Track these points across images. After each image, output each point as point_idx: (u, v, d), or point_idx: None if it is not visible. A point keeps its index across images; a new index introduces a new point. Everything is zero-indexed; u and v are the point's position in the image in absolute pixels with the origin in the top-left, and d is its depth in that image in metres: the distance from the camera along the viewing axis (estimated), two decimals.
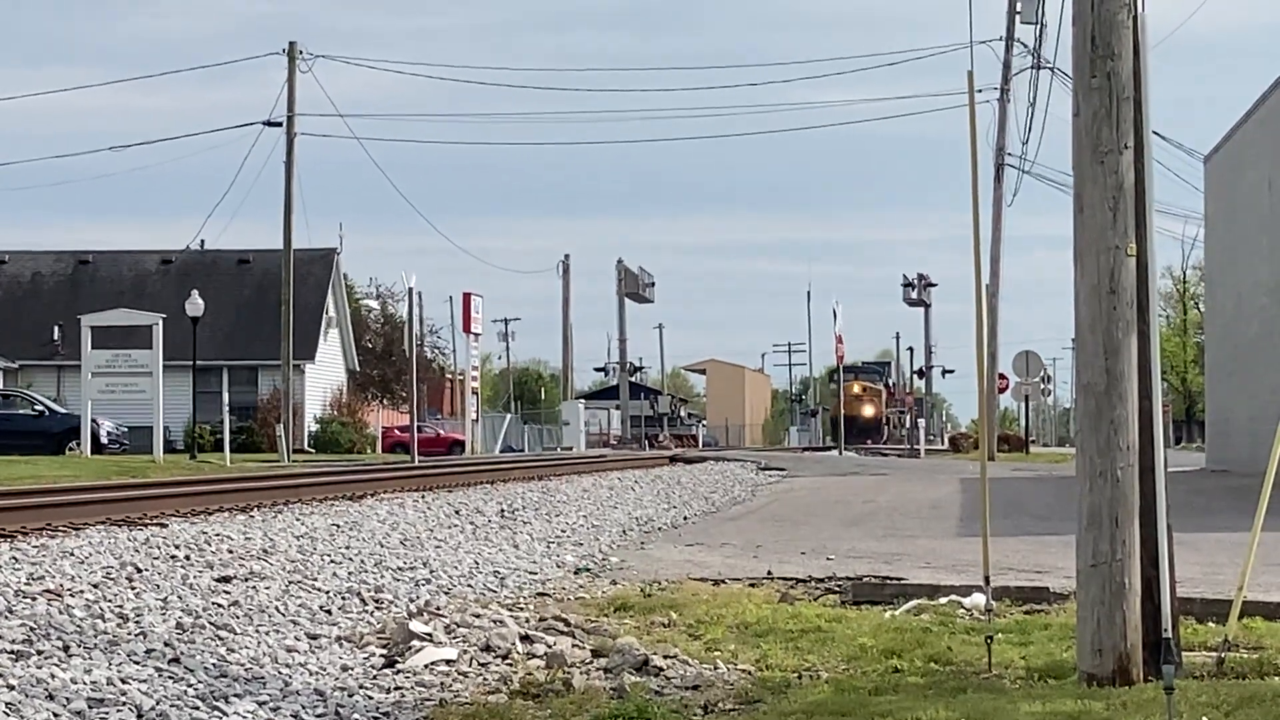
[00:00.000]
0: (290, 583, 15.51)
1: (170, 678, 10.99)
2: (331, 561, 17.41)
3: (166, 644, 11.92)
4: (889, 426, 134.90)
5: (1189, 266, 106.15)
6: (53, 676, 10.37)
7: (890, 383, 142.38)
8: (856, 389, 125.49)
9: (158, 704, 10.25)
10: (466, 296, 78.19)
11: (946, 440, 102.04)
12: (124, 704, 10.12)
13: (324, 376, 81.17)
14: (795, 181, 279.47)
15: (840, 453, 78.78)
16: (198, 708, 10.42)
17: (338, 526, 21.01)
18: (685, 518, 28.95)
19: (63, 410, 64.16)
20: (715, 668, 12.44)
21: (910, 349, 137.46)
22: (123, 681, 10.59)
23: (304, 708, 10.89)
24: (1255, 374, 40.14)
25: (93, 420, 58.89)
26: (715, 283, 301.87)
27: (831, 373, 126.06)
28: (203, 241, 79.40)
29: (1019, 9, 68.87)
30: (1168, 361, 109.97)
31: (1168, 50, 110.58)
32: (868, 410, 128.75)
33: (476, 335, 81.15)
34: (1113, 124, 10.87)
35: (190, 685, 10.91)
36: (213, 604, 13.81)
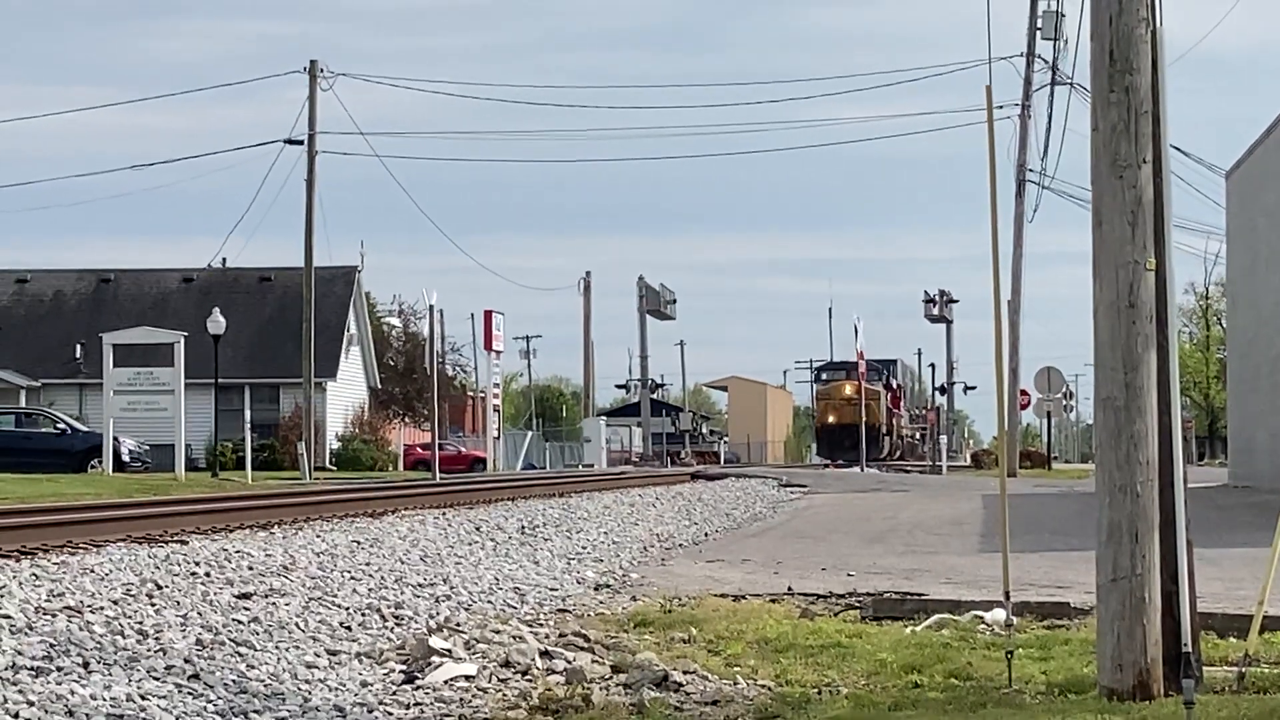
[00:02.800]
0: (310, 599, 15.51)
1: (190, 694, 11.00)
2: (352, 578, 17.41)
3: (186, 660, 11.93)
4: (892, 437, 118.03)
5: (1211, 282, 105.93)
6: (72, 693, 10.38)
7: (895, 384, 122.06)
8: (848, 390, 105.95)
9: None
10: (488, 314, 78.23)
11: (968, 456, 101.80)
12: (143, 718, 10.14)
13: (346, 394, 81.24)
14: (817, 199, 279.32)
15: (862, 469, 78.70)
16: None
17: (358, 543, 21.01)
18: (706, 534, 28.95)
19: (84, 429, 64.28)
20: (735, 683, 12.44)
21: (932, 365, 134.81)
22: (143, 698, 10.61)
23: None
24: (1279, 390, 40.06)
25: (115, 438, 58.97)
26: (737, 300, 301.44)
27: (820, 371, 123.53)
28: (224, 259, 79.66)
29: (1039, 25, 68.97)
30: (1189, 377, 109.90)
31: (1187, 65, 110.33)
32: (863, 417, 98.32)
33: (498, 353, 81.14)
34: (1131, 138, 10.87)
35: (210, 701, 10.92)
36: (233, 620, 13.81)
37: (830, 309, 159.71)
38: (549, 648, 13.76)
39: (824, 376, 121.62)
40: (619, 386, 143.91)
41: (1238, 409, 52.44)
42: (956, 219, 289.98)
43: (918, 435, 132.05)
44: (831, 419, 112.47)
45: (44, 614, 12.85)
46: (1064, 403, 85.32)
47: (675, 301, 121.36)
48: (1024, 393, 75.21)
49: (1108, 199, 10.90)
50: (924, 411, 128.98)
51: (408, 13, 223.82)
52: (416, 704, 11.78)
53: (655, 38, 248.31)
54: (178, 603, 14.26)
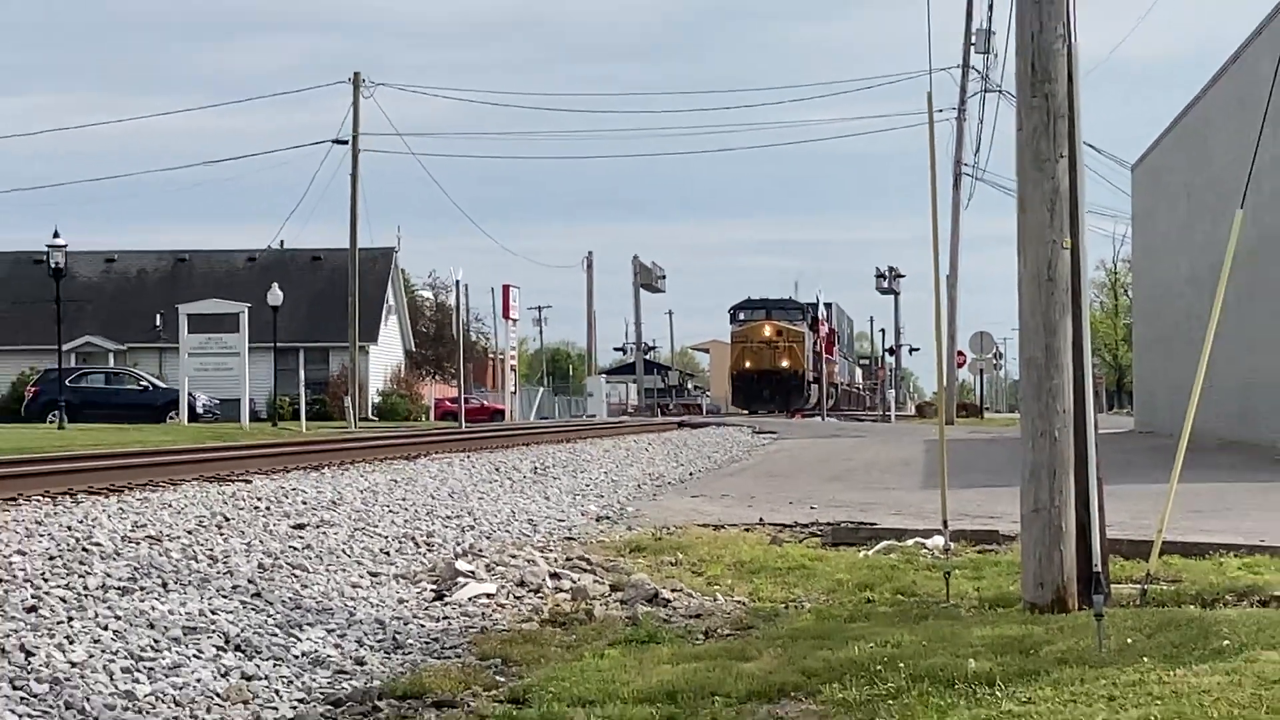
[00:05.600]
0: (355, 529, 15.54)
1: (253, 610, 11.01)
2: (390, 511, 17.43)
3: (250, 581, 11.95)
4: (821, 385, 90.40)
5: (1119, 259, 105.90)
6: (153, 609, 10.40)
7: (824, 328, 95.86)
8: (768, 332, 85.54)
9: (242, 631, 10.28)
10: (506, 288, 78.25)
11: (914, 408, 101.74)
12: (213, 631, 10.15)
13: (385, 356, 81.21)
14: (785, 189, 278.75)
15: (823, 418, 78.55)
16: (276, 635, 10.45)
17: (396, 482, 21.03)
18: (691, 474, 28.96)
19: (164, 385, 64.29)
20: (715, 599, 12.45)
21: (883, 330, 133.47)
22: (213, 613, 10.62)
23: (366, 634, 10.91)
24: (1176, 351, 40.08)
25: (189, 394, 59.04)
26: (718, 276, 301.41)
27: (736, 310, 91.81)
28: (282, 241, 79.43)
29: (973, 41, 69.46)
30: (1100, 340, 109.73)
31: (1099, 74, 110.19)
32: (784, 362, 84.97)
33: (514, 321, 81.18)
34: (1050, 137, 10.86)
35: (270, 616, 10.94)
36: (289, 547, 13.84)
37: (796, 283, 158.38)
38: (557, 570, 13.77)
39: (741, 316, 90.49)
40: (617, 349, 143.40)
41: (1141, 367, 52.51)
42: (905, 205, 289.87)
43: (861, 384, 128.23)
44: (748, 364, 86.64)
45: (129, 542, 12.87)
46: (994, 362, 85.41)
47: (665, 277, 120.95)
48: (960, 354, 75.16)
49: (1030, 188, 10.89)
50: (875, 368, 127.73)
51: (438, 31, 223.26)
52: (445, 618, 11.80)
53: (649, 50, 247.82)
54: (242, 532, 14.29)
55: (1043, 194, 10.82)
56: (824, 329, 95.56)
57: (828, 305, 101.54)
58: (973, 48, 69.77)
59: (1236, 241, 11.59)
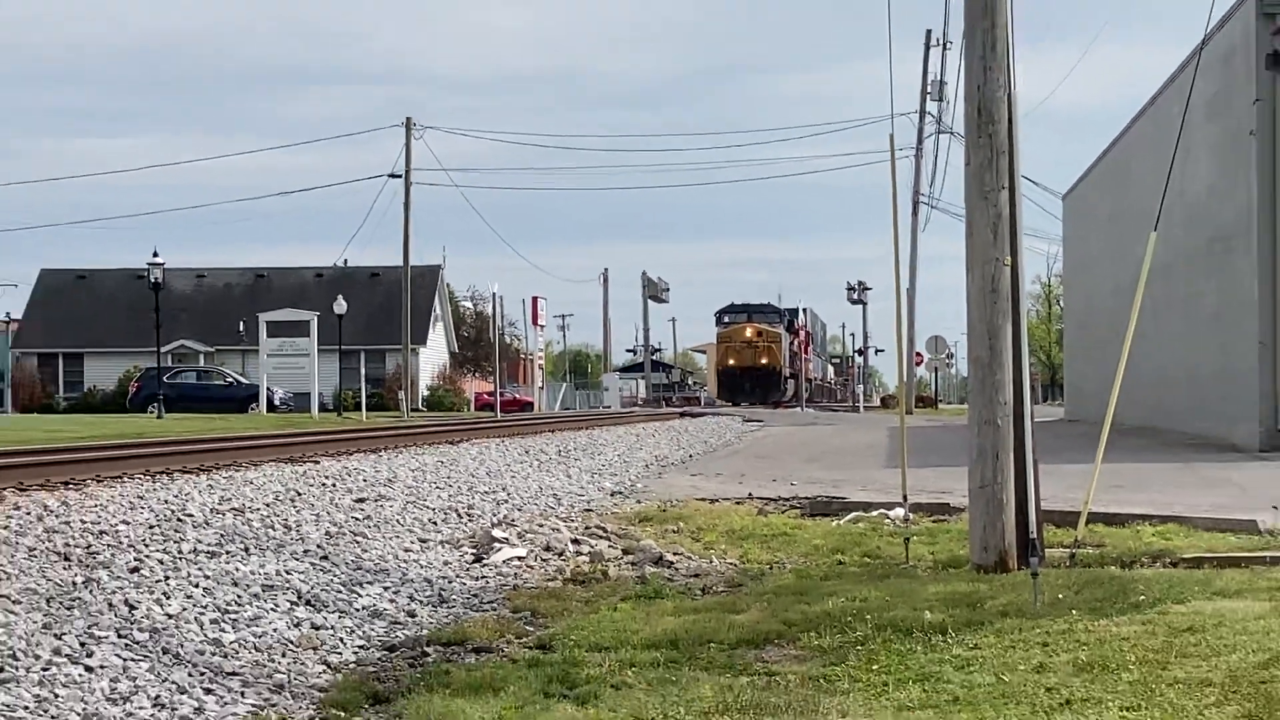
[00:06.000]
0: (407, 502, 15.55)
1: (321, 570, 11.03)
2: (437, 487, 17.43)
3: (318, 546, 11.96)
4: (798, 380, 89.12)
5: (1052, 275, 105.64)
6: (237, 569, 10.42)
7: (800, 329, 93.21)
8: (749, 333, 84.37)
9: (311, 589, 10.29)
10: (534, 299, 78.21)
11: (879, 400, 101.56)
12: (288, 588, 10.17)
13: (432, 356, 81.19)
14: (770, 214, 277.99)
15: (802, 409, 78.43)
16: (340, 591, 10.46)
17: (441, 462, 21.04)
18: (690, 456, 28.95)
19: (246, 381, 64.31)
20: (710, 562, 12.45)
21: (853, 334, 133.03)
22: (287, 573, 10.63)
23: (416, 591, 10.92)
24: (1101, 352, 40.02)
25: (268, 388, 59.04)
26: (713, 288, 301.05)
27: (721, 314, 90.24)
28: (345, 260, 79.49)
29: (929, 90, 69.86)
30: (1036, 342, 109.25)
31: (1035, 118, 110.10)
32: (763, 359, 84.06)
33: (542, 327, 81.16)
34: (994, 171, 10.86)
35: (335, 575, 10.95)
36: (351, 518, 13.85)
37: (780, 294, 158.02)
38: (578, 537, 13.78)
39: (725, 319, 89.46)
40: (628, 350, 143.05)
41: (1071, 365, 52.42)
42: (872, 228, 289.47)
43: (833, 380, 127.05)
44: (732, 361, 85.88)
45: (217, 513, 12.89)
46: (946, 361, 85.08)
47: (669, 289, 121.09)
48: (918, 354, 75.17)
49: (977, 215, 10.90)
50: (846, 366, 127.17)
51: (478, 83, 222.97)
52: (482, 577, 11.81)
53: (656, 99, 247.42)
54: (312, 505, 14.30)
55: (987, 219, 10.83)
56: (800, 331, 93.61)
57: (804, 310, 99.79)
58: (928, 96, 70.27)
59: (1151, 259, 11.58)
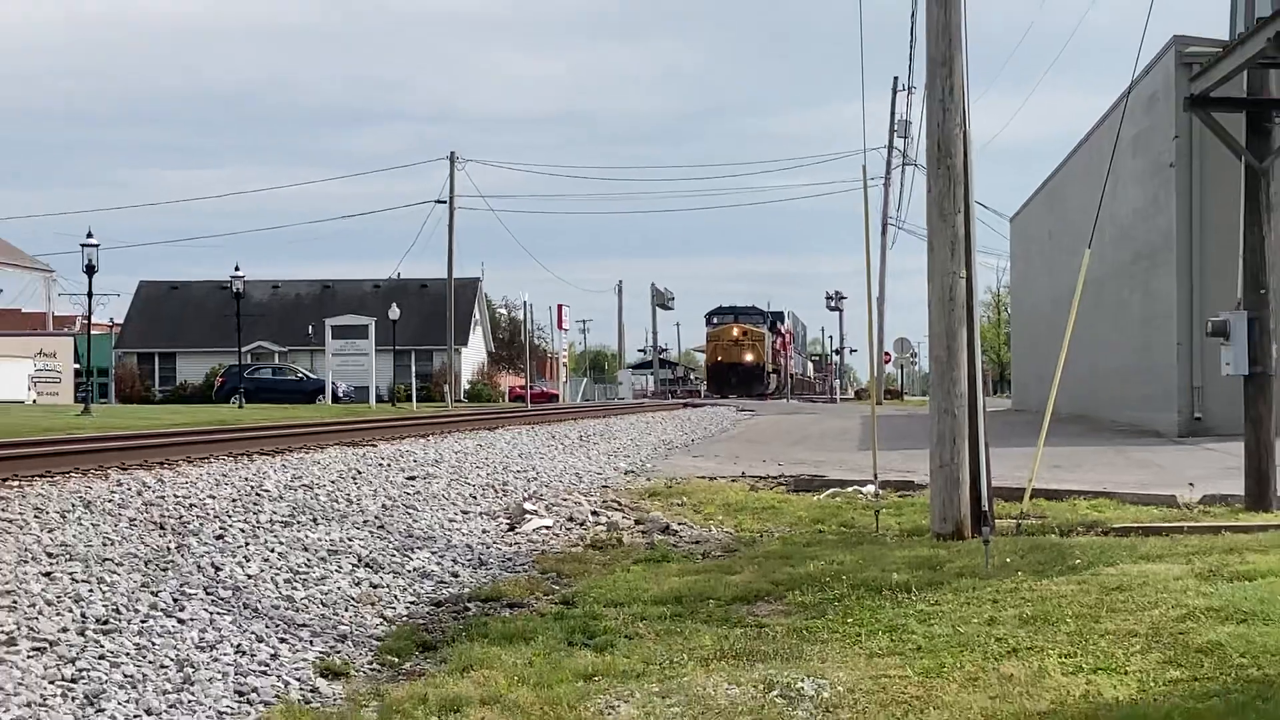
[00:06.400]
0: (451, 480, 15.54)
1: (378, 537, 11.04)
2: (476, 467, 17.43)
3: (375, 517, 11.97)
4: (779, 375, 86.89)
5: (1001, 286, 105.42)
6: (306, 536, 10.43)
7: (782, 330, 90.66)
8: (735, 333, 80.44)
9: (370, 553, 10.30)
10: (559, 307, 77.83)
11: (853, 393, 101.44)
12: (350, 552, 10.18)
13: (472, 355, 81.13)
14: (760, 235, 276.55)
15: (788, 400, 78.32)
16: (394, 555, 10.47)
17: (480, 445, 21.03)
18: (692, 440, 28.93)
19: (314, 376, 64.27)
20: (709, 530, 12.45)
21: (831, 336, 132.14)
22: (349, 540, 10.64)
23: (459, 555, 10.93)
24: (1042, 352, 39.94)
25: (332, 383, 59.04)
26: (712, 297, 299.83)
27: (711, 315, 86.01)
28: (399, 274, 79.41)
29: (897, 128, 70.09)
30: (987, 344, 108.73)
31: (990, 151, 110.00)
32: (747, 356, 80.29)
33: (565, 330, 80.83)
34: (951, 198, 10.85)
35: (389, 541, 10.96)
36: (404, 493, 13.85)
37: (769, 301, 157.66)
38: (596, 509, 13.78)
39: (714, 320, 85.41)
40: (639, 350, 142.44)
41: (1017, 363, 52.36)
42: (847, 247, 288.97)
43: (813, 376, 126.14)
44: (720, 358, 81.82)
45: (289, 489, 12.90)
46: (911, 359, 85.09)
47: (674, 298, 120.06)
48: (887, 353, 75.15)
49: (937, 235, 10.88)
50: (825, 363, 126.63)
51: (511, 122, 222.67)
52: (515, 543, 11.81)
53: (660, 136, 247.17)
54: (370, 482, 14.31)
55: (946, 239, 10.82)
56: (783, 331, 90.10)
57: (787, 314, 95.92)
58: (896, 133, 70.52)
59: (1085, 273, 11.56)
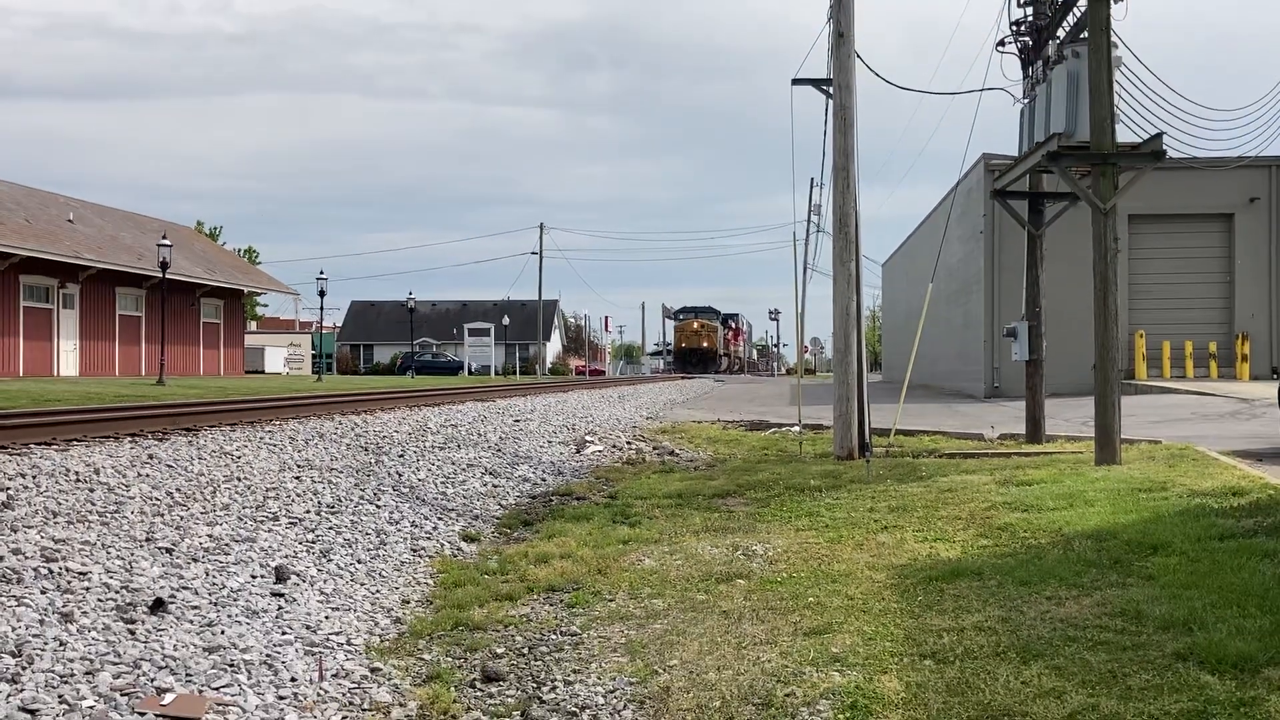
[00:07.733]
0: (541, 422, 15.52)
1: (497, 457, 11.02)
2: (556, 414, 17.39)
3: (495, 445, 11.95)
4: (729, 358, 76.40)
5: (877, 306, 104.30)
6: (452, 457, 10.40)
7: (734, 326, 79.66)
8: (695, 325, 71.63)
9: (491, 467, 10.28)
10: (605, 318, 79.54)
11: (786, 371, 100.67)
12: (479, 466, 10.17)
13: (552, 347, 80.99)
14: (727, 274, 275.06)
15: (745, 375, 77.67)
16: (507, 468, 10.43)
17: (557, 401, 21.00)
18: (686, 399, 28.83)
19: (458, 360, 64.42)
20: (698, 453, 12.39)
21: (772, 336, 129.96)
22: (479, 458, 10.63)
23: (546, 468, 10.90)
24: (899, 344, 39.73)
25: (468, 362, 59.09)
26: None
27: (677, 313, 78.62)
28: (508, 296, 79.08)
29: (814, 208, 69.14)
30: (869, 340, 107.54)
31: (871, 222, 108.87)
32: (704, 343, 71.53)
33: (609, 332, 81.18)
34: (850, 251, 10.77)
35: (504, 460, 10.95)
36: (512, 430, 13.83)
37: (729, 308, 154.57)
38: (629, 440, 13.74)
39: (680, 316, 76.29)
40: (655, 344, 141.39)
41: (886, 351, 52.05)
42: (782, 281, 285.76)
43: (758, 360, 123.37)
44: (683, 344, 73.16)
45: (443, 426, 12.90)
46: (821, 349, 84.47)
47: (675, 311, 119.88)
48: (806, 346, 74.54)
49: (838, 274, 10.81)
50: (767, 352, 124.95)
51: (580, 205, 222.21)
52: (580, 461, 11.77)
53: (673, 212, 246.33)
54: (491, 422, 14.29)
55: (844, 277, 10.75)
56: (734, 327, 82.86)
57: (737, 315, 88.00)
58: (812, 211, 69.46)
59: (929, 297, 11.48)
